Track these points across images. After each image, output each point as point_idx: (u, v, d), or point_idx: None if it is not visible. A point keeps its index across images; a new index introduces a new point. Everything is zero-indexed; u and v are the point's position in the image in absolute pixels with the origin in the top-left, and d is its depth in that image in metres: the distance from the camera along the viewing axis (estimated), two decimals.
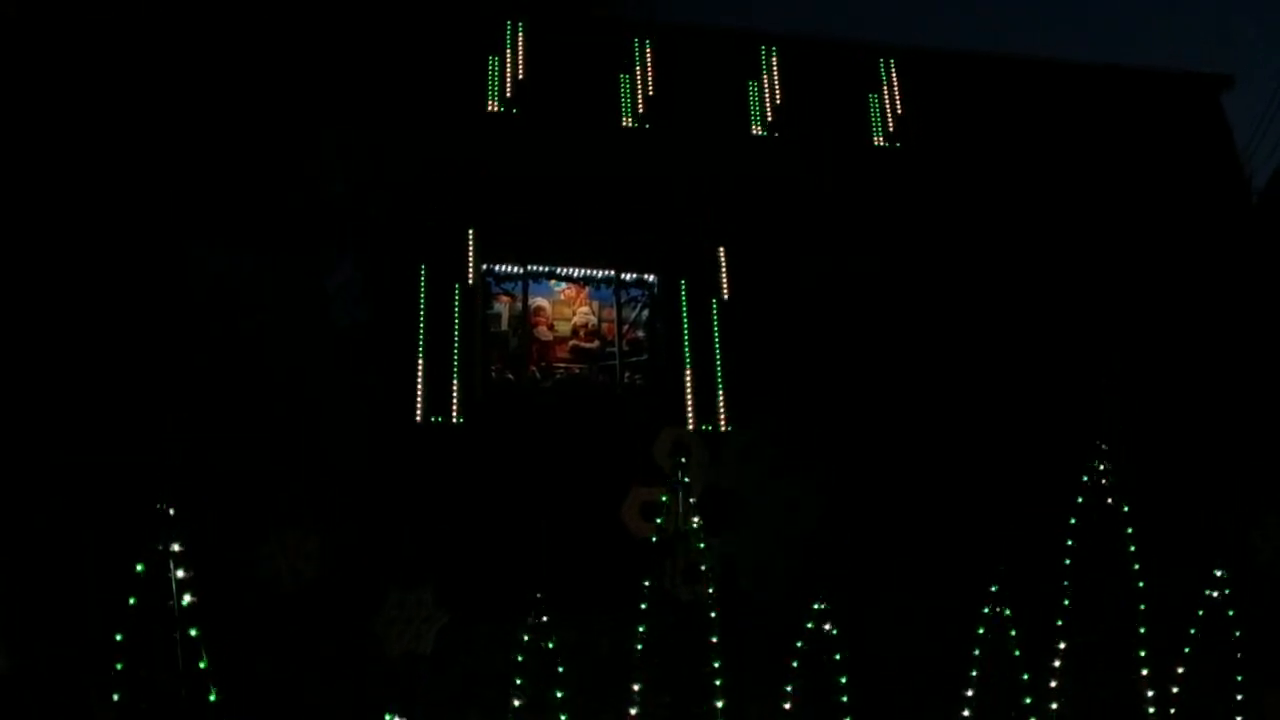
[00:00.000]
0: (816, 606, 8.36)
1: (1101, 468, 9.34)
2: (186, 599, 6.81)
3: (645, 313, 13.65)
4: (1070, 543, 9.29)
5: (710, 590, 8.61)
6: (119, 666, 6.68)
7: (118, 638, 6.82)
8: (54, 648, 8.95)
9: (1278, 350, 14.05)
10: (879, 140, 14.65)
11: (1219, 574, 8.91)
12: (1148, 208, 14.95)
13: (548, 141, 13.45)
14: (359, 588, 9.24)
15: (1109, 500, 9.28)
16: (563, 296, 13.58)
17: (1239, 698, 8.87)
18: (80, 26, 12.32)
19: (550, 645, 8.03)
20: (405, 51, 13.30)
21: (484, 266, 13.08)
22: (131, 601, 6.74)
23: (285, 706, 8.86)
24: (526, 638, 7.93)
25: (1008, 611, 8.58)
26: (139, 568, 6.82)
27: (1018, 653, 8.38)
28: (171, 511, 6.89)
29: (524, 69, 13.79)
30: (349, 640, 9.17)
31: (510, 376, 13.08)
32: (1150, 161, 15.30)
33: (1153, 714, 8.69)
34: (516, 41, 13.88)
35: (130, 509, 8.09)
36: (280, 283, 11.87)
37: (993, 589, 9.48)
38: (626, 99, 14.04)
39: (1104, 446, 9.46)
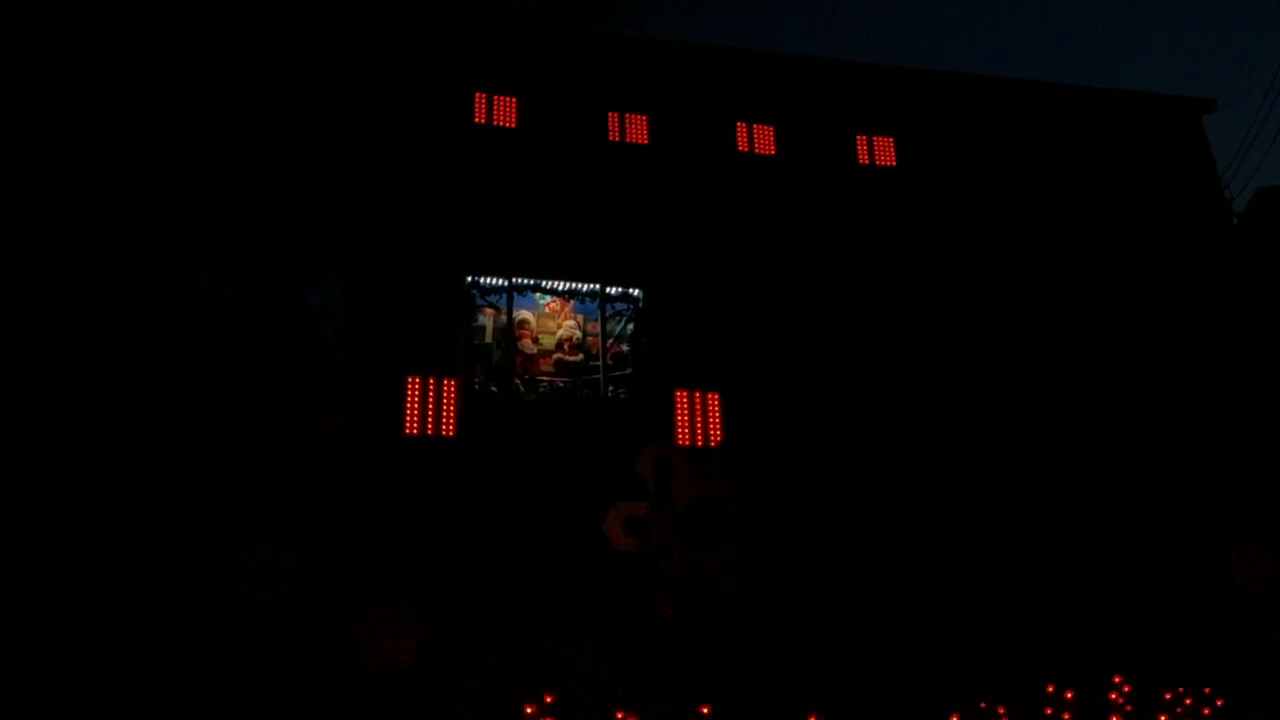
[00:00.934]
0: (797, 624, 8.36)
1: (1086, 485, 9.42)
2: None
3: (630, 327, 13.65)
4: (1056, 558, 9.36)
5: (691, 603, 8.60)
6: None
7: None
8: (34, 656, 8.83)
9: (1255, 375, 14.16)
10: (869, 160, 14.76)
11: (1199, 593, 8.93)
12: (1131, 229, 15.09)
13: (534, 156, 13.50)
14: (339, 601, 9.17)
15: (1093, 516, 9.35)
16: (548, 309, 13.56)
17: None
18: (71, 44, 12.28)
19: (530, 660, 8.00)
20: (394, 65, 13.31)
21: (469, 278, 13.07)
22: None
23: (263, 714, 8.77)
24: (506, 652, 7.88)
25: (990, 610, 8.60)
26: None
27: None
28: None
29: (514, 84, 13.83)
30: (328, 654, 9.08)
31: (494, 389, 13.03)
32: (1133, 183, 15.47)
33: None
34: (507, 56, 13.92)
35: (112, 519, 8.05)
36: (263, 296, 11.83)
37: (975, 607, 9.50)
38: (614, 115, 14.10)
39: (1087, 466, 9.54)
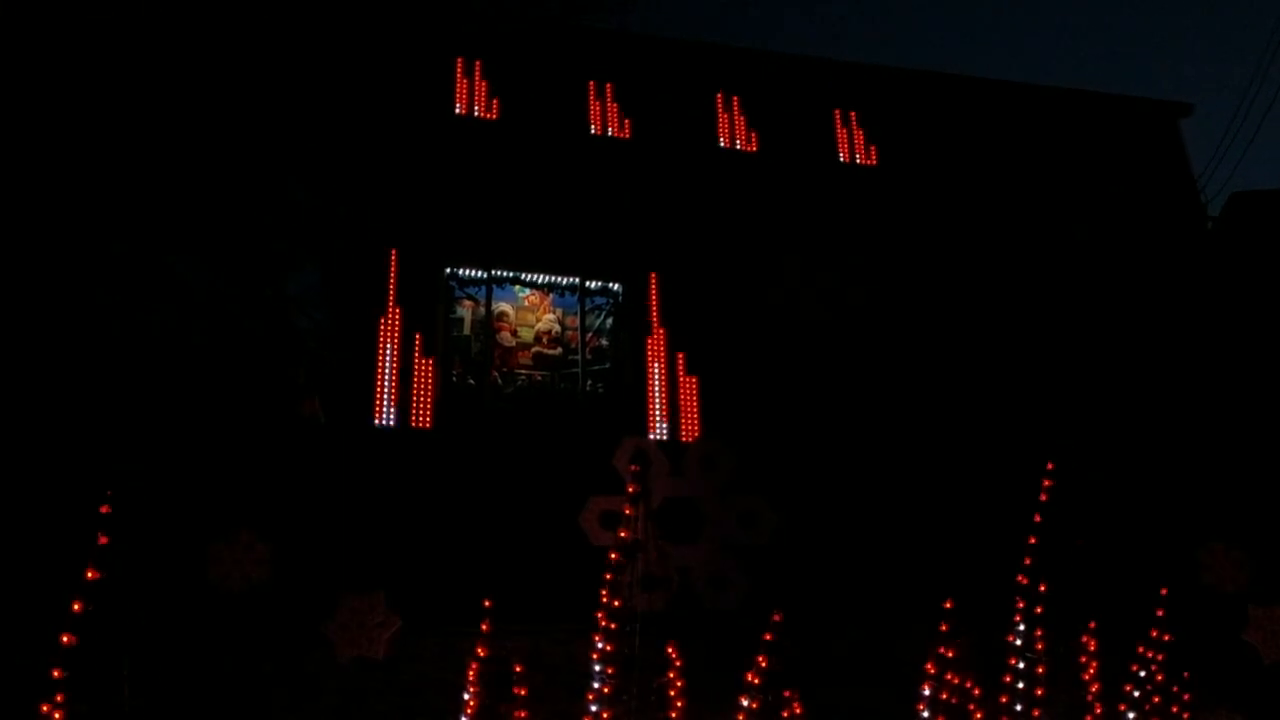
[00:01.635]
0: (773, 619, 8.42)
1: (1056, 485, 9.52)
2: (134, 601, 6.75)
3: (609, 321, 13.65)
4: (1026, 561, 9.44)
5: (667, 599, 8.65)
6: (60, 669, 6.56)
7: (63, 639, 6.72)
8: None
9: (1226, 378, 14.33)
10: (847, 158, 14.81)
11: (1164, 593, 9.03)
12: (1106, 231, 15.22)
13: (515, 149, 13.47)
14: (310, 592, 9.15)
15: (1063, 518, 9.44)
16: (526, 302, 13.55)
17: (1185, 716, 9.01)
18: (42, 32, 12.13)
19: (504, 654, 7.99)
20: (372, 57, 13.24)
21: (447, 270, 13.03)
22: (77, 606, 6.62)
23: (232, 710, 8.73)
24: (479, 646, 7.87)
25: (960, 627, 8.67)
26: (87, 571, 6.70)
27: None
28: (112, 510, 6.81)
29: (494, 76, 13.79)
30: (299, 644, 9.06)
31: (471, 382, 13.02)
32: (1109, 185, 15.59)
33: None
34: (488, 48, 13.87)
35: (78, 509, 7.98)
36: (240, 287, 11.77)
37: (946, 604, 9.57)
38: (596, 109, 14.08)
39: (1056, 465, 9.63)
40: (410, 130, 13.08)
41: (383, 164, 12.79)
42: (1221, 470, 13.28)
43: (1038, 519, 9.01)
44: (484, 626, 7.82)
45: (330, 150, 12.52)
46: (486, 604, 7.80)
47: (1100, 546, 9.92)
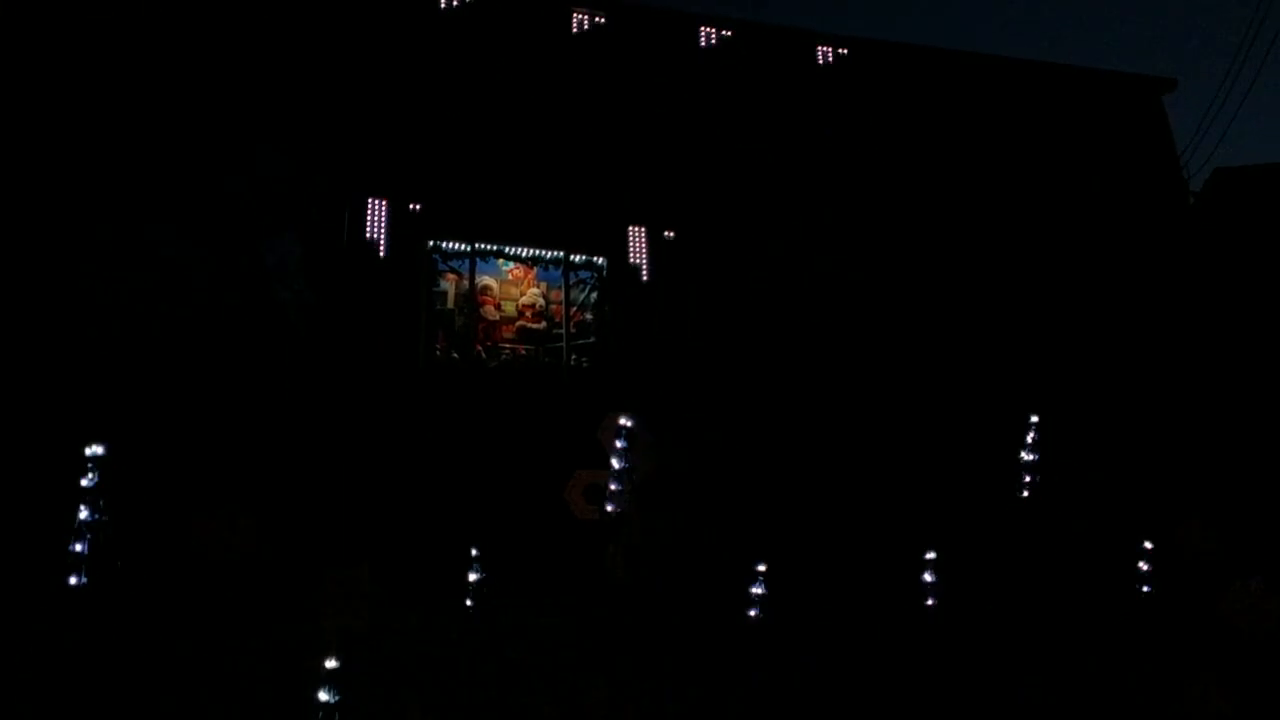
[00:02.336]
0: (753, 591, 8.50)
1: (1031, 460, 9.62)
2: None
3: (593, 295, 13.61)
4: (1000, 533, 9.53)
5: (649, 570, 8.69)
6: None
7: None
8: None
9: (1207, 353, 14.42)
10: (827, 131, 14.73)
11: (1143, 568, 9.13)
12: (1089, 206, 15.24)
13: (501, 120, 13.34)
14: (294, 565, 9.12)
15: (1039, 492, 9.54)
16: (511, 276, 13.49)
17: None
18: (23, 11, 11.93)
19: (489, 626, 8.03)
20: (354, 30, 13.04)
21: (431, 243, 12.95)
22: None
23: (215, 681, 8.73)
24: (465, 618, 7.90)
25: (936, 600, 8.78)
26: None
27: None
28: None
29: (480, 49, 13.60)
30: (282, 617, 9.04)
31: (455, 355, 12.98)
32: (1092, 161, 15.60)
33: (1080, 704, 8.91)
34: (475, 21, 13.69)
35: (62, 480, 7.96)
36: (220, 258, 11.65)
37: (925, 577, 9.68)
38: (583, 81, 13.92)
39: (1036, 441, 9.72)
40: (393, 101, 12.91)
41: (364, 134, 12.63)
42: (1201, 445, 13.40)
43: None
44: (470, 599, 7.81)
45: (311, 120, 12.35)
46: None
47: (1084, 520, 10.01)
